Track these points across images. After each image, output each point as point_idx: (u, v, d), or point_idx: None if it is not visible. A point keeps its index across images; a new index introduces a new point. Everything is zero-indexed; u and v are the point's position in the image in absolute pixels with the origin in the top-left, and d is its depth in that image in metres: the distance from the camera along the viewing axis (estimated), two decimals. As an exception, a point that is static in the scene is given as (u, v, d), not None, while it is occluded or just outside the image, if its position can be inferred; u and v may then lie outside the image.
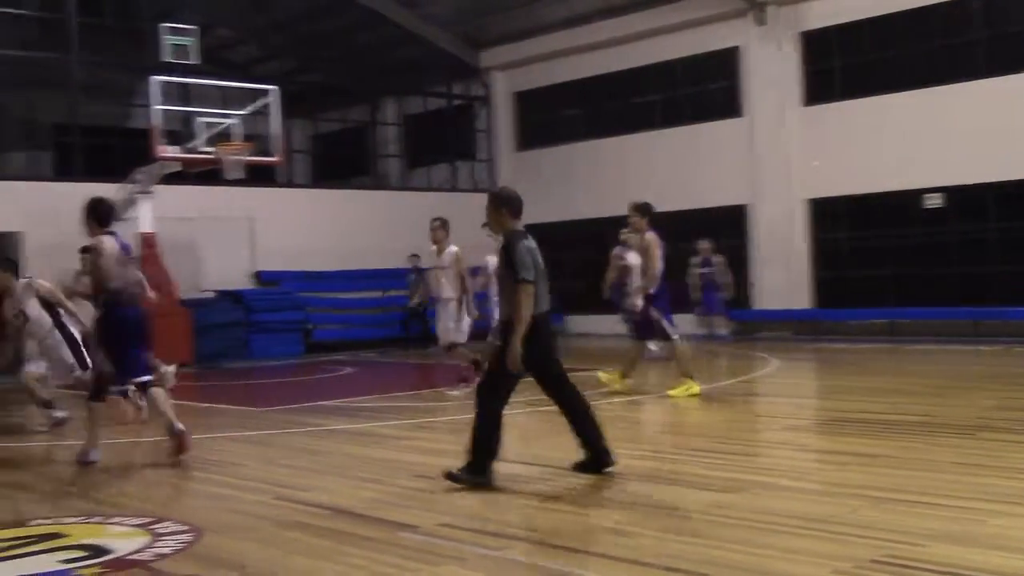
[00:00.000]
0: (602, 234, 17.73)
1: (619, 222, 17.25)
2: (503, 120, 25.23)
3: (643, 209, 11.38)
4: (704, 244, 18.85)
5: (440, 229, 12.23)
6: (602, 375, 11.90)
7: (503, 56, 24.61)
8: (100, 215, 8.42)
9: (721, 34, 21.00)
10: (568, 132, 23.88)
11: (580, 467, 7.16)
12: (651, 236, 11.26)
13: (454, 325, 12.27)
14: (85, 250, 12.69)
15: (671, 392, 11.33)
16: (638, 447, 8.53)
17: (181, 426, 8.30)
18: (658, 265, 11.26)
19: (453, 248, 12.19)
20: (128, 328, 8.33)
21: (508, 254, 6.93)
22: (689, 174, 21.44)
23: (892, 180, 18.68)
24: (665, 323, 11.45)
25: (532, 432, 9.82)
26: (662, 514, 5.98)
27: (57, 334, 10.48)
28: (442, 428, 10.28)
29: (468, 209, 22.68)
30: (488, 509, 6.33)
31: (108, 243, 8.33)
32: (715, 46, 21.19)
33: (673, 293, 15.06)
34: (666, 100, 22.30)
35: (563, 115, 24.23)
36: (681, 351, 11.59)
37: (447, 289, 12.22)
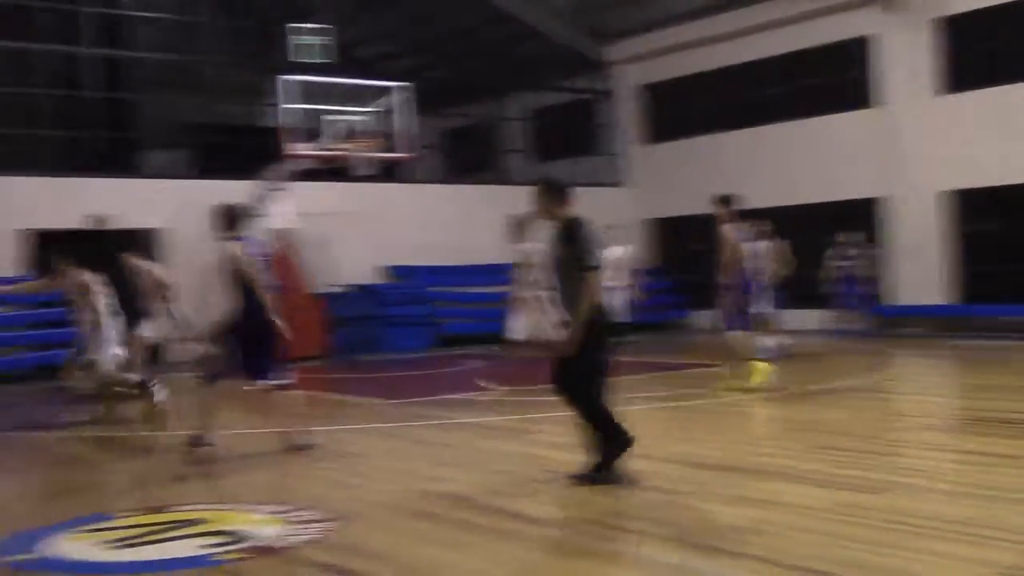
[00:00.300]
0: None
1: (748, 216, 17.00)
2: (629, 114, 25.08)
3: (724, 201, 11.47)
4: (845, 237, 18.43)
5: (517, 227, 12.29)
6: (724, 385, 11.74)
7: (628, 49, 24.45)
8: (230, 220, 8.68)
9: (852, 22, 20.45)
10: (695, 125, 23.59)
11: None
12: (726, 228, 11.30)
13: (548, 322, 12.28)
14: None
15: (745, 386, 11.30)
16: (772, 444, 8.41)
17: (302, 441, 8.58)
18: (730, 260, 11.26)
19: (529, 245, 12.24)
20: (255, 332, 8.52)
21: (572, 241, 6.82)
22: (820, 166, 20.95)
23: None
24: (724, 317, 11.43)
25: (661, 428, 9.76)
26: (796, 513, 5.87)
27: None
28: (567, 421, 10.28)
29: (593, 204, 22.63)
30: (618, 504, 6.31)
31: (233, 247, 8.54)
32: (845, 35, 20.65)
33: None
34: (796, 91, 21.83)
35: (690, 108, 23.94)
36: (742, 344, 11.54)
37: (525, 286, 12.30)
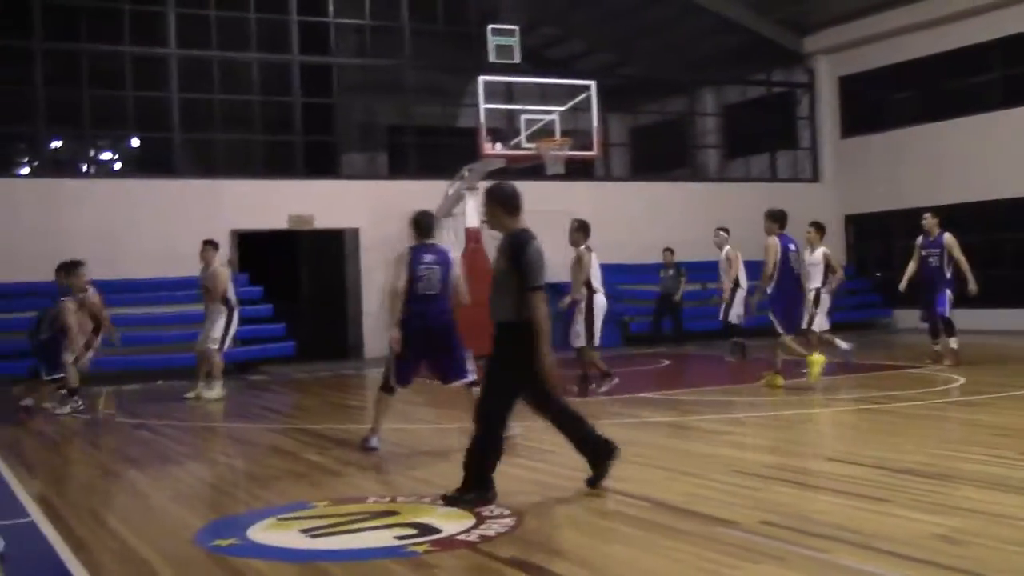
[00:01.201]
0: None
1: (954, 210, 16.27)
2: (827, 106, 24.35)
3: (771, 215, 12.22)
4: None
5: (577, 231, 12.35)
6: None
7: (827, 40, 23.73)
8: (423, 227, 8.97)
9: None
10: (898, 116, 22.70)
11: (592, 482, 6.79)
12: (769, 240, 12.02)
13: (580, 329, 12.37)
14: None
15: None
16: (973, 450, 8.01)
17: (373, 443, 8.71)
18: (769, 268, 11.92)
19: (582, 247, 12.24)
20: (420, 333, 8.64)
21: (515, 256, 6.55)
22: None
23: None
24: (777, 322, 11.96)
25: (862, 431, 9.47)
26: (1003, 524, 5.57)
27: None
28: (756, 423, 10.10)
29: (789, 200, 22.08)
30: (811, 509, 6.14)
31: (404, 253, 8.75)
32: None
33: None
34: (1008, 78, 20.72)
35: (893, 98, 23.06)
36: (788, 347, 12.12)
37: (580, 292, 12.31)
